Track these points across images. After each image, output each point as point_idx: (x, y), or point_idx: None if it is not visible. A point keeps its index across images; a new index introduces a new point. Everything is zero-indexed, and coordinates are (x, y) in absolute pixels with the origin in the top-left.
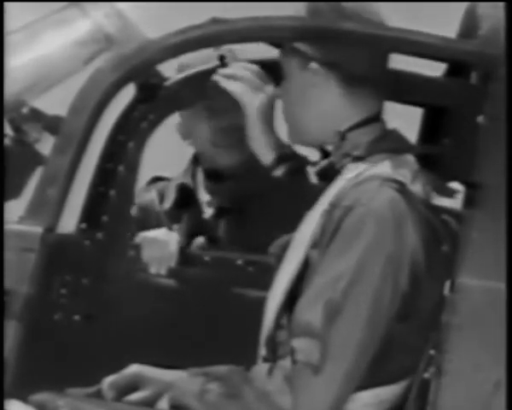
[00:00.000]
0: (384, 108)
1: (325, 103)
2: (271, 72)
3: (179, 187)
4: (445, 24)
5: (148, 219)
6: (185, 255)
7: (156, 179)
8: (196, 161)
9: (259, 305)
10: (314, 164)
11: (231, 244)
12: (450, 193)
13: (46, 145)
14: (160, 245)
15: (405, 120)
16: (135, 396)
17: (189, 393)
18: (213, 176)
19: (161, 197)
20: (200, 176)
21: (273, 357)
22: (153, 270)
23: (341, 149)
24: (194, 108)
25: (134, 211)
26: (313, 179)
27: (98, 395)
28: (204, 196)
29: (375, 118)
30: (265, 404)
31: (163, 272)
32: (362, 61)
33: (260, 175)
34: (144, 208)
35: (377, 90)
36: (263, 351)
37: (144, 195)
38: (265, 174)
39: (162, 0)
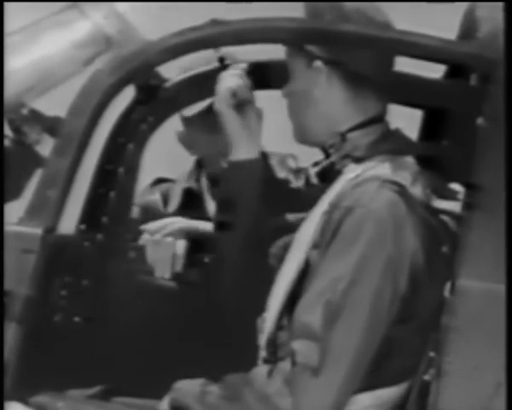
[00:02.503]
0: (387, 109)
1: (328, 103)
2: (272, 73)
3: (185, 191)
4: (444, 25)
5: (152, 221)
6: (191, 259)
7: (159, 181)
8: (200, 165)
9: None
10: (315, 164)
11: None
12: (450, 195)
13: (46, 146)
14: (166, 248)
15: (405, 121)
16: None
17: (190, 395)
18: (218, 181)
19: (165, 199)
20: (205, 180)
21: (274, 358)
22: (157, 273)
23: (342, 150)
24: (200, 118)
25: (137, 212)
26: (313, 180)
27: (98, 396)
28: (209, 201)
29: (378, 119)
30: (265, 406)
31: (167, 275)
32: (367, 61)
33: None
34: (147, 210)
35: (380, 91)
36: (263, 352)
37: (148, 196)
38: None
39: (162, 0)
